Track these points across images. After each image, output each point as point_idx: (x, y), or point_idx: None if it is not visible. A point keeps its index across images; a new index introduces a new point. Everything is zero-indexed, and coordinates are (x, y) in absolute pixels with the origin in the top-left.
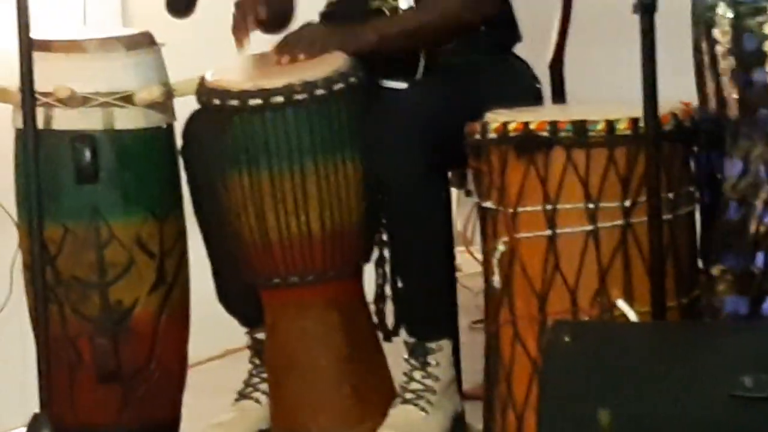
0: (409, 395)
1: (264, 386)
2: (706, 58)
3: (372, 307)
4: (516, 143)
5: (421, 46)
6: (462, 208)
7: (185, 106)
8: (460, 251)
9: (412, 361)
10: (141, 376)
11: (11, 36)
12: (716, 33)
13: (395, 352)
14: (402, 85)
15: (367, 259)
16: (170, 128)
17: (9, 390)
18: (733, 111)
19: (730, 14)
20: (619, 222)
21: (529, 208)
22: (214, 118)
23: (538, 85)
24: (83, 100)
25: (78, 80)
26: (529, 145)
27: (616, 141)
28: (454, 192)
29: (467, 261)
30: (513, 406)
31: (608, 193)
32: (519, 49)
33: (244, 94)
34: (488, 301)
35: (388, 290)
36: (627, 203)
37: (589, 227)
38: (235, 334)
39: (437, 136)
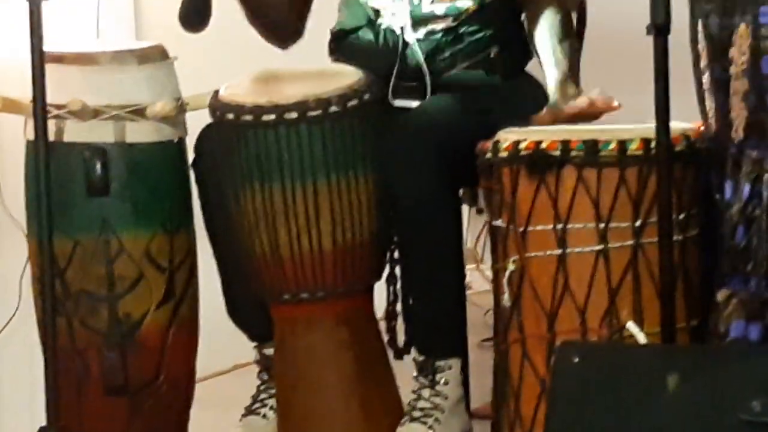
0: (417, 413)
1: (272, 402)
2: (712, 77)
3: (383, 325)
4: (527, 162)
5: None
6: (473, 226)
7: (197, 120)
8: (470, 269)
9: (421, 379)
10: (149, 390)
11: (24, 48)
12: (733, 53)
13: (405, 370)
14: (414, 103)
15: (378, 277)
16: (182, 142)
17: (17, 402)
18: (738, 132)
19: (749, 36)
20: (630, 242)
21: (539, 227)
22: (227, 133)
23: None
24: (95, 113)
25: (90, 93)
26: (540, 164)
27: (628, 161)
28: (465, 209)
29: (477, 278)
30: (521, 425)
31: (619, 213)
32: (531, 67)
33: (257, 110)
34: (497, 320)
35: (399, 308)
36: (637, 223)
37: (600, 247)
38: (244, 348)
39: (449, 155)
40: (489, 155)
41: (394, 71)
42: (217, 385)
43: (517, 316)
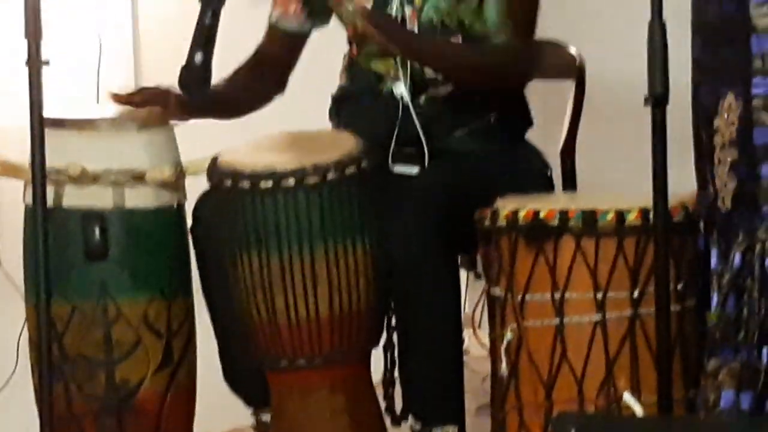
0: None
1: None
2: (700, 144)
3: (380, 391)
4: (525, 231)
5: (453, 77)
6: (471, 291)
7: (196, 185)
8: (467, 334)
9: None
10: None
11: (24, 112)
12: (718, 123)
13: None
14: (413, 170)
15: (375, 344)
16: (181, 207)
17: None
18: (726, 203)
19: (739, 106)
20: (627, 312)
21: (537, 296)
22: (225, 199)
23: (549, 172)
24: (94, 178)
25: (89, 158)
26: (539, 233)
27: (626, 231)
28: (463, 274)
29: (475, 344)
30: None
31: (617, 283)
32: (531, 134)
33: (255, 176)
34: (495, 387)
35: (396, 374)
36: (635, 293)
37: (597, 317)
38: (242, 413)
39: (448, 222)
40: (487, 223)
41: (394, 137)
42: None
43: (514, 384)
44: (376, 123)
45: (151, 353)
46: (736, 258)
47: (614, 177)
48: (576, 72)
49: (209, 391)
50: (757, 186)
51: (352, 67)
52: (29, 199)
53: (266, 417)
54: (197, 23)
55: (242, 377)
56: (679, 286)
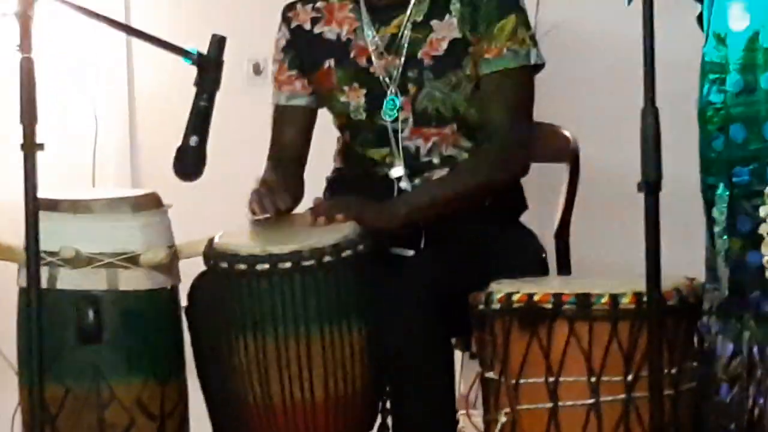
0: None
1: None
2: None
3: None
4: (520, 315)
5: (453, 212)
6: (466, 371)
7: (191, 267)
8: (462, 415)
9: None
10: None
11: (18, 193)
12: (715, 212)
13: None
14: (409, 252)
15: (370, 427)
16: (175, 289)
17: None
18: (723, 291)
19: (726, 194)
20: (621, 396)
21: (531, 380)
22: (220, 281)
23: (543, 255)
24: (88, 261)
25: (83, 240)
26: (533, 317)
27: (620, 315)
28: (458, 354)
29: (469, 425)
30: None
31: (611, 366)
32: (525, 217)
33: (251, 259)
34: None
35: None
36: (629, 378)
37: (591, 401)
38: None
39: (443, 304)
40: (482, 306)
41: None
42: None
43: None
44: None
45: None
46: (729, 346)
47: (609, 260)
48: (570, 155)
49: None
50: (744, 273)
51: (346, 150)
52: (23, 282)
53: None
54: (192, 106)
55: None
56: (674, 370)
